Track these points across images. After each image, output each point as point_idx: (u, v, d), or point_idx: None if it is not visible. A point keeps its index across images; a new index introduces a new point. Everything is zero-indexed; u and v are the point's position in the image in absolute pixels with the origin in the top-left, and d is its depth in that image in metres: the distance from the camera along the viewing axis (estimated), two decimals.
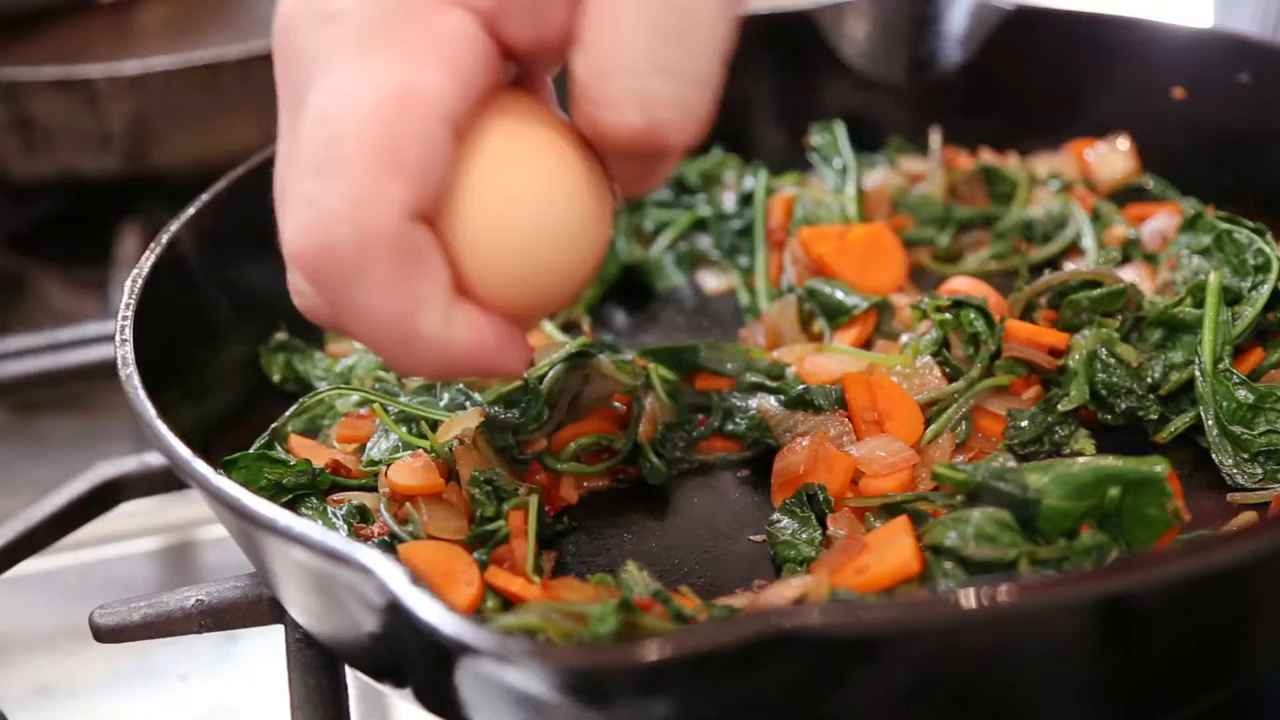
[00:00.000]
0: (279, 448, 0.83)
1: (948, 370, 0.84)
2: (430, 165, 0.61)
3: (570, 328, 1.00)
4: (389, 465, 0.79)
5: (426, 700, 0.67)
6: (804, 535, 0.76)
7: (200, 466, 0.66)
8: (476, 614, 0.70)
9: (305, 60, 0.62)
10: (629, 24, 0.60)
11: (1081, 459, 0.72)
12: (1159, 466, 0.68)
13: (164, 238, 0.84)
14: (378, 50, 0.60)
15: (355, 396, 0.86)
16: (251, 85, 1.28)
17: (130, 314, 0.77)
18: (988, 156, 1.10)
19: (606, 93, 0.61)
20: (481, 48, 0.62)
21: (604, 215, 0.66)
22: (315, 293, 0.63)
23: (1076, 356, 0.83)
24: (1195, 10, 1.47)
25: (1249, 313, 0.82)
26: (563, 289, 0.66)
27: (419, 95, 0.60)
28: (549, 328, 0.96)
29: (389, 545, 0.75)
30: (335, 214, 0.60)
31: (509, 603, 0.71)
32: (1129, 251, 0.96)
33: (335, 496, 0.79)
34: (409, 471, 0.78)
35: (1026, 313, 0.87)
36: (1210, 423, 0.79)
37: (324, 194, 0.60)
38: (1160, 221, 0.98)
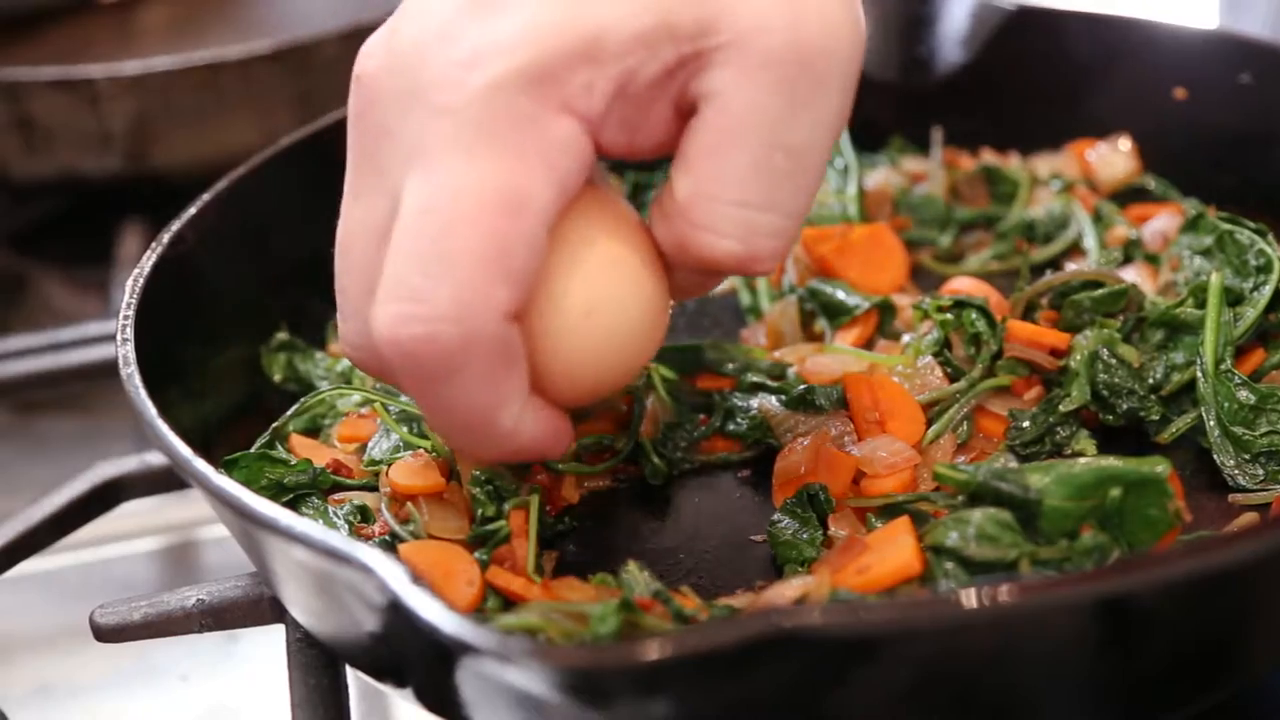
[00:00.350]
0: (280, 447, 0.82)
1: (949, 370, 0.84)
2: (530, 270, 0.62)
3: None
4: (390, 465, 0.79)
5: (427, 700, 0.67)
6: (805, 535, 0.76)
7: (201, 466, 0.66)
8: (477, 613, 0.70)
9: (402, 143, 0.63)
10: (743, 160, 0.63)
11: (1083, 459, 0.72)
12: (1160, 467, 0.68)
13: (165, 237, 0.84)
14: (489, 150, 0.61)
15: (356, 396, 0.86)
16: (252, 85, 1.28)
17: (131, 314, 0.77)
18: (989, 157, 1.10)
19: (709, 219, 0.64)
20: (582, 154, 0.63)
21: (664, 318, 0.70)
22: (397, 375, 0.64)
23: (1078, 357, 0.82)
24: (1200, 13, 1.47)
25: (1250, 313, 0.82)
26: (618, 385, 0.71)
27: (529, 203, 0.61)
28: None
29: (390, 545, 0.75)
30: (442, 313, 0.60)
31: (510, 602, 0.71)
32: (1130, 252, 0.96)
33: (336, 496, 0.79)
34: (410, 471, 0.78)
35: (1028, 313, 0.87)
36: (1212, 423, 0.79)
37: (431, 290, 0.60)
38: (1162, 222, 0.98)
